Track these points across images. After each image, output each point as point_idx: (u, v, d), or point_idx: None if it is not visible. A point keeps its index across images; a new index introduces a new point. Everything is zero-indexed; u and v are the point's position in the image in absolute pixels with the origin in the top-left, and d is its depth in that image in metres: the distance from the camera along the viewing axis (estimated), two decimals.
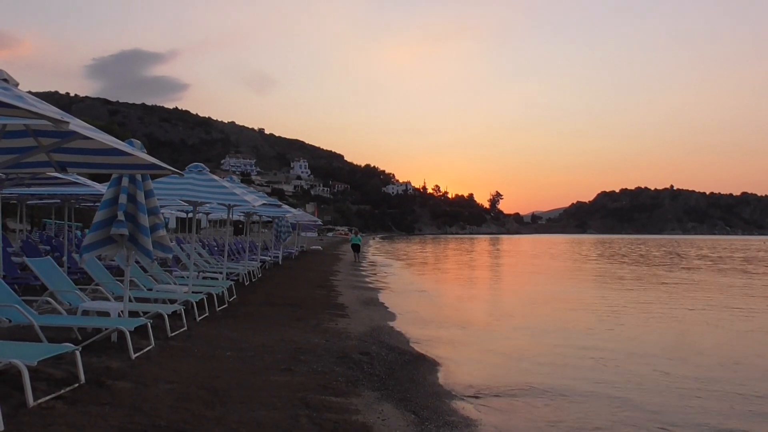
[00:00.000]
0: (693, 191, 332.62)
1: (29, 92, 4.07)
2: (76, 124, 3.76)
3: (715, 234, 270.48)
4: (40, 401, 4.69)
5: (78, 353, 5.33)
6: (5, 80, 4.01)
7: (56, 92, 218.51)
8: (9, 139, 5.33)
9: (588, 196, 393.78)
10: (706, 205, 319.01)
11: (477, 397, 6.83)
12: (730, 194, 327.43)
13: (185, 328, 8.42)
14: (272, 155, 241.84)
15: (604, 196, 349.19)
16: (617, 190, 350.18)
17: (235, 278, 15.07)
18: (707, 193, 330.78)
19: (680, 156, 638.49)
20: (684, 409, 6.77)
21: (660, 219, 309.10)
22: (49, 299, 7.57)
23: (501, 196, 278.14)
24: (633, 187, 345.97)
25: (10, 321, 6.44)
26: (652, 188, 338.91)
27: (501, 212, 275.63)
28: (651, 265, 37.69)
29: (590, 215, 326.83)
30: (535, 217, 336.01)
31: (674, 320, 13.96)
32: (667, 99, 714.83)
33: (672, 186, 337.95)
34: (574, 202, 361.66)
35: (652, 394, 7.35)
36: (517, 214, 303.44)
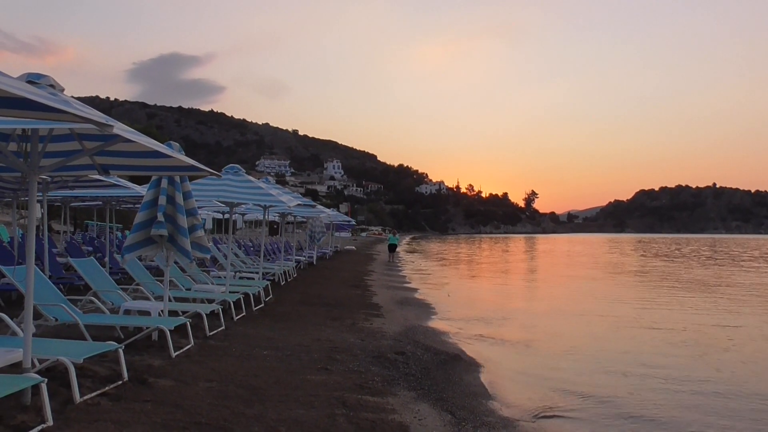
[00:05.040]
0: (737, 189, 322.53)
1: (72, 97, 4.19)
2: (119, 128, 3.86)
3: (761, 233, 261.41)
4: (86, 398, 4.82)
5: (121, 351, 5.46)
6: (52, 86, 4.14)
7: (97, 97, 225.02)
8: (55, 143, 5.49)
9: (626, 195, 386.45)
10: (751, 204, 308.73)
11: (514, 398, 6.76)
12: None
13: (223, 327, 8.55)
14: (306, 156, 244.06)
15: (642, 194, 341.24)
16: (656, 188, 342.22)
17: (271, 278, 15.22)
18: (752, 191, 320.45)
19: (723, 153, 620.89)
20: None
21: (702, 218, 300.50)
22: (93, 299, 7.77)
23: (536, 194, 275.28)
24: (673, 185, 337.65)
25: (56, 319, 6.64)
26: (693, 186, 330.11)
27: (536, 211, 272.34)
28: None
29: (628, 214, 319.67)
30: (571, 216, 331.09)
31: None
32: (708, 94, 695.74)
33: (714, 184, 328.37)
34: (612, 200, 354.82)
35: None
36: (553, 213, 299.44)
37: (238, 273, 14.99)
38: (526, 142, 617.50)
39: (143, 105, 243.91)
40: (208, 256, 9.52)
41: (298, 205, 14.93)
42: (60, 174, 8.55)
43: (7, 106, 3.17)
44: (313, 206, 21.48)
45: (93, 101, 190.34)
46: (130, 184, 12.23)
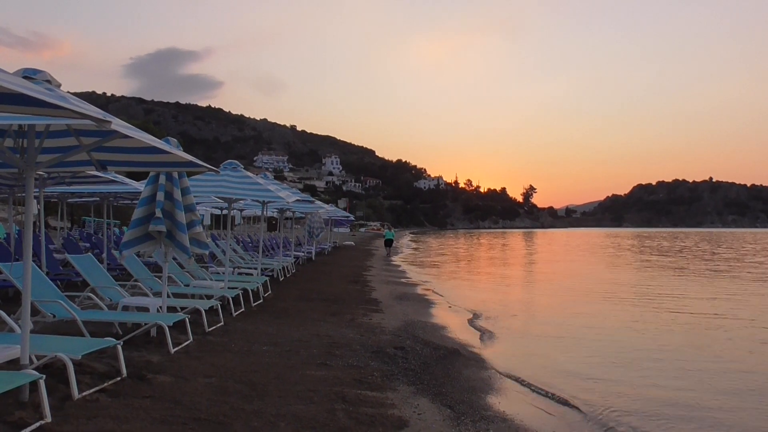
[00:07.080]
0: (733, 183, 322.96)
1: (68, 93, 4.16)
2: (117, 124, 3.84)
3: (757, 227, 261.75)
4: (84, 394, 4.82)
5: (120, 348, 5.45)
6: (48, 81, 4.12)
7: (93, 92, 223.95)
8: (52, 139, 5.47)
9: (623, 189, 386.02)
10: (748, 198, 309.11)
11: (513, 392, 6.77)
12: None
13: (222, 323, 8.54)
14: (304, 152, 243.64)
15: (640, 188, 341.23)
16: (654, 183, 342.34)
17: (270, 274, 15.22)
18: (748, 185, 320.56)
19: (719, 147, 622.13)
20: None
21: (699, 212, 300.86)
22: (91, 295, 7.76)
23: (534, 189, 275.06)
24: (670, 180, 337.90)
25: (54, 316, 6.62)
26: (690, 180, 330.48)
27: (534, 206, 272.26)
28: None
29: (626, 208, 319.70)
30: (569, 211, 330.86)
31: None
32: (705, 89, 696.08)
33: (711, 178, 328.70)
34: (610, 195, 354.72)
35: None
36: (551, 207, 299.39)
37: (236, 269, 14.95)
38: (524, 137, 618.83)
39: (140, 100, 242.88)
40: (207, 252, 9.53)
41: (297, 200, 14.91)
42: (57, 170, 8.53)
43: (3, 101, 3.14)
44: (312, 202, 21.49)
45: (90, 97, 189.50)
46: (127, 180, 12.17)
